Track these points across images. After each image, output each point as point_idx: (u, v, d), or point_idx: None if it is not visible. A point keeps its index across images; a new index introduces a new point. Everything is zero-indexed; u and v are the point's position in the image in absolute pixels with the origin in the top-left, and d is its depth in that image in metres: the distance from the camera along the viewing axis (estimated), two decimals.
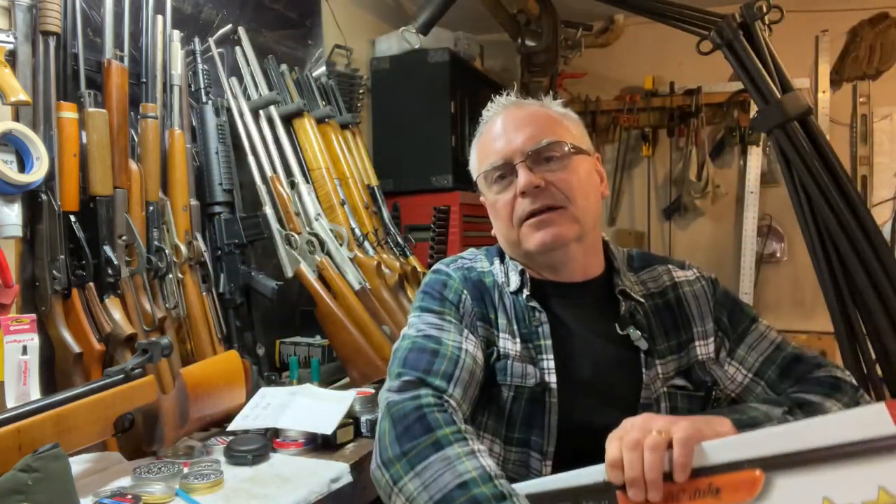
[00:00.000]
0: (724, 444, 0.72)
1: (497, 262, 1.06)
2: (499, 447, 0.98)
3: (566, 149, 0.96)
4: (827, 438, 0.65)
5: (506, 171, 0.98)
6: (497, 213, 1.02)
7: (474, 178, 1.08)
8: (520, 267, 1.02)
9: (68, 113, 1.41)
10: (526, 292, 0.99)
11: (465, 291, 1.01)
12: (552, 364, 0.95)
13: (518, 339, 0.98)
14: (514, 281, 1.01)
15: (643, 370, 0.95)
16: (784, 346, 1.02)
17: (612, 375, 0.97)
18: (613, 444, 0.76)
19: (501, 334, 0.99)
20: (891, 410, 0.62)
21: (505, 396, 0.96)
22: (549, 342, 0.96)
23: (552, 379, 0.95)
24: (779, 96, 1.53)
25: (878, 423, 0.62)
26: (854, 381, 0.99)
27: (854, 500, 0.63)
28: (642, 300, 1.00)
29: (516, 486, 0.79)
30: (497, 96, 1.07)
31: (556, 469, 0.92)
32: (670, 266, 1.06)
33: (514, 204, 0.97)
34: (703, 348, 1.00)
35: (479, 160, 1.05)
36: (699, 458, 0.71)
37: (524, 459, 0.96)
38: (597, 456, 0.92)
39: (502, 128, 1.00)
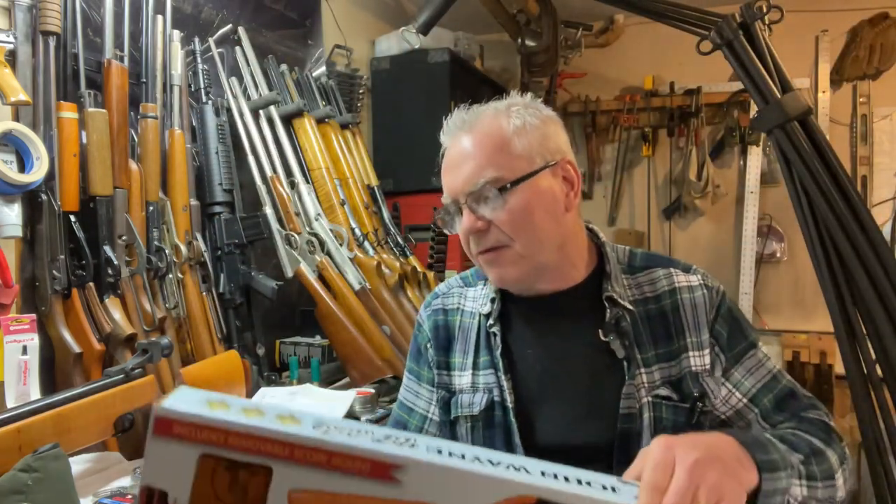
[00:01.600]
0: None
1: (481, 284, 1.07)
2: None
3: (500, 187, 0.91)
4: None
5: (455, 208, 0.97)
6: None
7: None
8: (491, 295, 1.03)
9: (68, 113, 1.41)
10: (490, 321, 1.00)
11: (430, 343, 1.06)
12: (506, 384, 0.96)
13: (469, 371, 1.01)
14: (488, 305, 1.02)
15: (626, 378, 0.94)
16: (780, 377, 1.01)
17: (592, 384, 0.96)
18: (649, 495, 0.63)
19: (458, 373, 1.03)
20: None
21: (464, 429, 1.01)
22: (501, 363, 0.97)
23: (508, 399, 0.96)
24: (779, 96, 1.52)
25: None
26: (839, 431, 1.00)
27: None
28: (631, 307, 0.97)
29: (527, 480, 0.61)
30: (458, 109, 1.01)
31: None
32: (673, 269, 1.02)
33: (467, 239, 0.97)
34: (698, 359, 0.97)
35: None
36: None
37: None
38: None
39: (450, 159, 0.97)
